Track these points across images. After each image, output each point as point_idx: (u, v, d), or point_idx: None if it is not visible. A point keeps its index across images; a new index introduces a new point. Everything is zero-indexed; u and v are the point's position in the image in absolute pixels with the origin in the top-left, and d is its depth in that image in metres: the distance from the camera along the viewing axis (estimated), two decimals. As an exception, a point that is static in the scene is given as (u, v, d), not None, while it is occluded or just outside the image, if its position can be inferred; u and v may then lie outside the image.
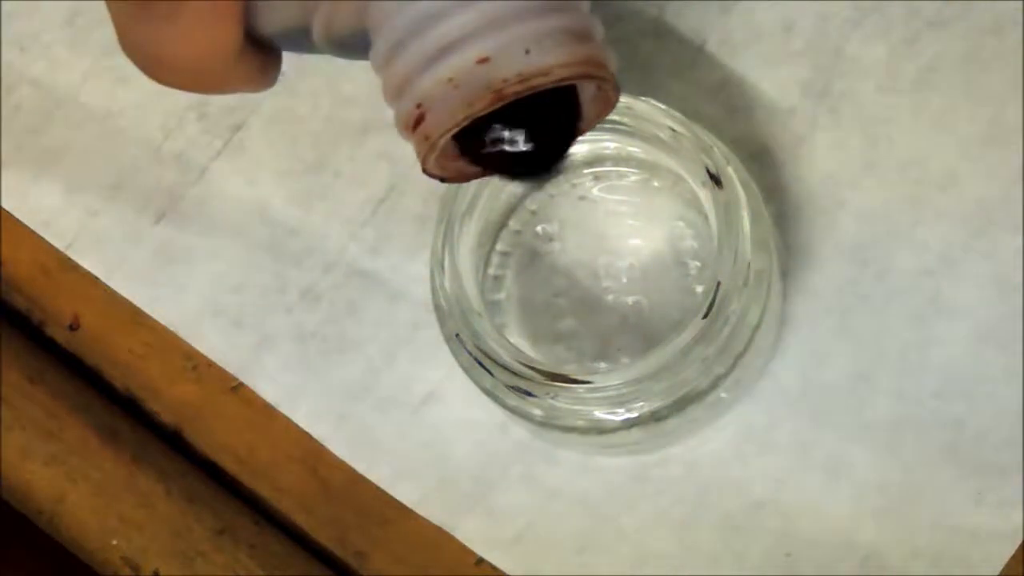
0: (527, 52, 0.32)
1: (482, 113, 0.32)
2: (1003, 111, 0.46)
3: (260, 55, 0.35)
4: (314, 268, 0.48)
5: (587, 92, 0.35)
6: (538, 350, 0.45)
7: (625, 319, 0.44)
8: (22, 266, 0.49)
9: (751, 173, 0.42)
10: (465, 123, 0.32)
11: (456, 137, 0.33)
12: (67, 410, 0.47)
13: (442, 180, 0.35)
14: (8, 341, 0.48)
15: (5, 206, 0.50)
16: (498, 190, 0.44)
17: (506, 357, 0.40)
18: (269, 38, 0.35)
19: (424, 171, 0.34)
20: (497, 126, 0.34)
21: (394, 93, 0.33)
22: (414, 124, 0.33)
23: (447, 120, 0.32)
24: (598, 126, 0.39)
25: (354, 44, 0.34)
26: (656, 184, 0.45)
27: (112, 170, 0.49)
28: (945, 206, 0.46)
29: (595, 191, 0.45)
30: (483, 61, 0.32)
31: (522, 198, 0.46)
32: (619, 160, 0.44)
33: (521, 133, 0.35)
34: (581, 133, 0.35)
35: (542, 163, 0.36)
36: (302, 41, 0.34)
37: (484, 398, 0.42)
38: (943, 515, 0.44)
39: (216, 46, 0.34)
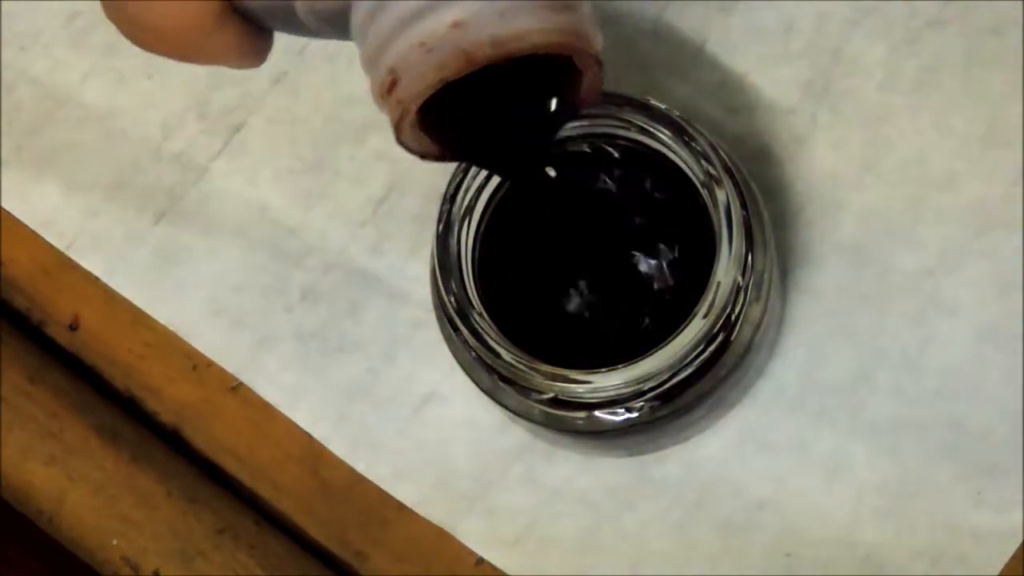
0: (502, 16, 0.31)
1: (454, 77, 0.31)
2: (1003, 111, 0.46)
3: (245, 29, 0.35)
4: (314, 268, 0.48)
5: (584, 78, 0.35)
6: (538, 350, 0.44)
7: (625, 319, 0.44)
8: (22, 266, 0.49)
9: (751, 173, 0.42)
10: (438, 87, 0.32)
11: (434, 128, 0.33)
12: (67, 410, 0.47)
13: (422, 157, 0.35)
14: (8, 341, 0.48)
15: (5, 206, 0.50)
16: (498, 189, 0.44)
17: (506, 357, 0.40)
18: (255, 13, 0.35)
19: (398, 141, 0.34)
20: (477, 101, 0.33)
21: (370, 61, 0.33)
22: (387, 89, 0.32)
23: (419, 84, 0.32)
24: (598, 124, 0.39)
25: (338, 20, 0.33)
26: (655, 184, 0.45)
27: (112, 170, 0.49)
28: (945, 206, 0.46)
29: (593, 190, 0.45)
30: (456, 25, 0.31)
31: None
32: (618, 159, 0.44)
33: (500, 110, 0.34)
34: (570, 119, 0.35)
35: (524, 147, 0.35)
36: (289, 18, 0.34)
37: (484, 398, 0.42)
38: (943, 515, 0.44)
39: (193, 12, 0.34)
